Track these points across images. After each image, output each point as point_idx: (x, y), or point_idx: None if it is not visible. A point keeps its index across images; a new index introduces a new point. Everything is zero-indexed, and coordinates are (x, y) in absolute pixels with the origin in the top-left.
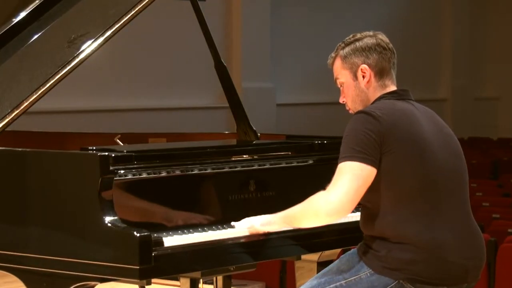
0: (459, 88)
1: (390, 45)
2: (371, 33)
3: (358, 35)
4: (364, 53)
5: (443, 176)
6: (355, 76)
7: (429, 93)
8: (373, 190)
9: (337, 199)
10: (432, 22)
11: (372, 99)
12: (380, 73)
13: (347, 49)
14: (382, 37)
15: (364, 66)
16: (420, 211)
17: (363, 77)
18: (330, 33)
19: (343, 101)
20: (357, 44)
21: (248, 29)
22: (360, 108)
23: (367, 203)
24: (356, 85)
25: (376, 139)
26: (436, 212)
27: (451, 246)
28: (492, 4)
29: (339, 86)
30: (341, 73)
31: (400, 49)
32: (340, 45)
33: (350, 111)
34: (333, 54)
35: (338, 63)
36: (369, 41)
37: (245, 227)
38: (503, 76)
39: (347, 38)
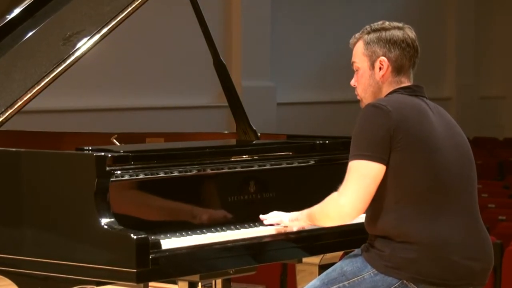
0: (464, 87)
1: (416, 43)
2: (400, 24)
3: (387, 24)
4: (387, 45)
5: (451, 176)
6: (372, 66)
7: (433, 91)
8: (381, 187)
9: (348, 201)
10: (437, 19)
11: (384, 93)
12: (398, 70)
13: (372, 36)
14: (410, 33)
15: (383, 58)
16: (425, 210)
17: (380, 69)
18: (332, 31)
19: (354, 85)
20: (383, 33)
21: (248, 26)
22: (370, 98)
23: (374, 202)
24: (371, 75)
25: (385, 134)
26: (441, 212)
27: (456, 246)
28: (497, 1)
29: (354, 69)
30: (359, 58)
31: None
32: (366, 29)
33: (358, 97)
34: (357, 35)
35: (359, 47)
36: (396, 33)
37: (274, 221)
38: (509, 75)
39: (375, 23)
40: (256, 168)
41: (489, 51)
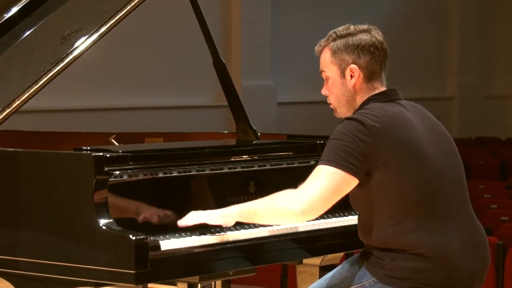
0: (466, 86)
1: (384, 45)
2: (365, 27)
3: (352, 29)
4: (356, 52)
5: (442, 180)
6: (343, 74)
7: (435, 91)
8: (370, 203)
9: (308, 199)
10: (439, 18)
11: (359, 101)
12: (370, 76)
13: (338, 42)
14: (377, 35)
15: (353, 66)
16: (422, 221)
17: (351, 76)
18: (333, 29)
19: (325, 94)
20: (350, 39)
21: (248, 25)
22: (344, 108)
23: (364, 215)
24: (343, 84)
25: (365, 149)
26: (439, 220)
27: (457, 252)
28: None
29: (324, 78)
30: (328, 67)
31: (406, 46)
32: (331, 35)
33: (331, 106)
34: (322, 43)
35: (326, 55)
36: (363, 37)
37: (192, 223)
38: None
39: (340, 28)
40: (256, 168)
41: (492, 50)
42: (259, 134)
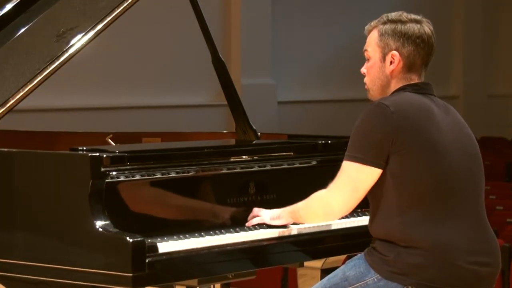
0: (471, 85)
1: (432, 40)
2: (418, 18)
3: (404, 16)
4: (401, 39)
5: (457, 179)
6: (384, 58)
7: (439, 89)
8: (381, 191)
9: (335, 202)
10: (443, 15)
11: (393, 89)
12: (409, 67)
13: (387, 27)
14: (427, 28)
15: (395, 52)
16: (430, 214)
17: (391, 63)
18: (334, 27)
19: (363, 73)
20: (399, 26)
21: (247, 22)
22: (377, 91)
23: (375, 204)
24: (381, 67)
25: (383, 137)
26: (448, 216)
27: (462, 251)
28: None
29: (366, 57)
30: (372, 48)
31: None
32: (383, 18)
33: (366, 87)
34: (373, 23)
35: (373, 36)
36: (412, 27)
37: (256, 222)
38: None
39: (392, 13)
40: (256, 169)
41: (497, 48)
42: (259, 134)
